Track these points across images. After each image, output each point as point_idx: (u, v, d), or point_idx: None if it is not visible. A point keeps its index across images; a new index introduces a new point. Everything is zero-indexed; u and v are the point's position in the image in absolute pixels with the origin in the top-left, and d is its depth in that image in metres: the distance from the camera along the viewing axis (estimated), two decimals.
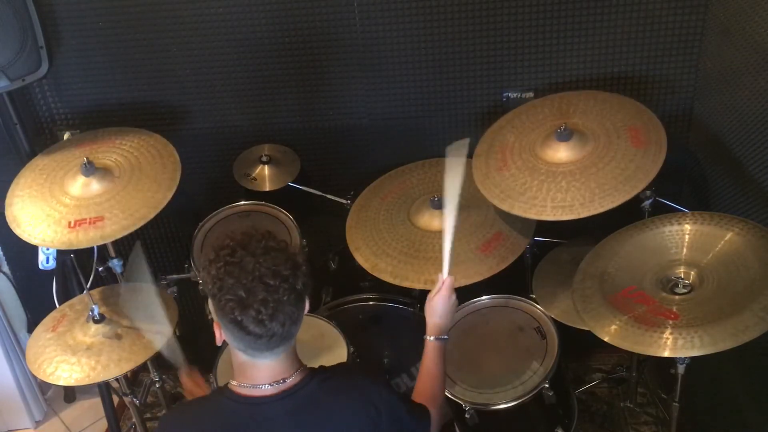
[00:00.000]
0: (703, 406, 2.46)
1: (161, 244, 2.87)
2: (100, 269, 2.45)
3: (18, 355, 2.89)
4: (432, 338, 1.75)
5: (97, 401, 2.81)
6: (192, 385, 1.93)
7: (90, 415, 3.02)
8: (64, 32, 2.45)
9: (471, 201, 2.31)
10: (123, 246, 2.69)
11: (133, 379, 2.90)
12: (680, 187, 2.59)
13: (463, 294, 1.87)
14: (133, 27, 2.44)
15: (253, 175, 2.57)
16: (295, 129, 2.64)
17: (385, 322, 2.44)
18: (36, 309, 2.80)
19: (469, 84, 2.51)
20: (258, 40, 2.47)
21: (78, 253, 2.46)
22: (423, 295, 2.29)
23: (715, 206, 2.33)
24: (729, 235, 1.88)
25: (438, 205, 2.29)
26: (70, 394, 3.10)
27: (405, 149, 2.62)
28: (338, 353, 2.20)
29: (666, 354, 1.69)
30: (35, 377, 2.46)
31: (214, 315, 1.41)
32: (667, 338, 1.70)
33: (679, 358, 1.93)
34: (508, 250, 2.19)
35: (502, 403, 2.04)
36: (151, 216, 2.08)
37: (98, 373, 2.12)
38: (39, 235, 2.07)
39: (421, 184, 2.48)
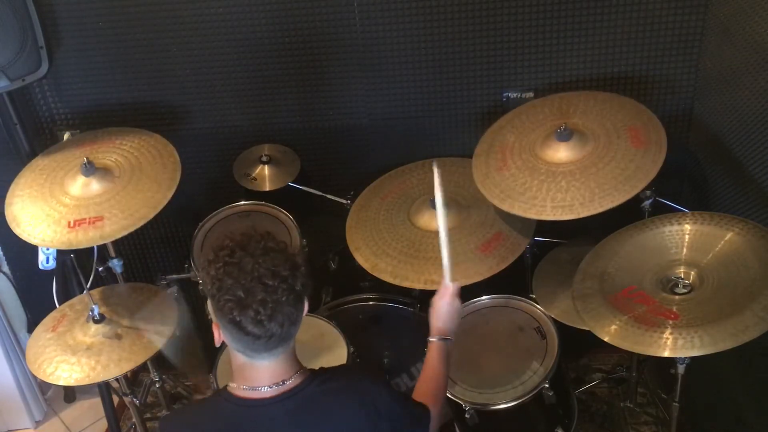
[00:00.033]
0: (703, 406, 2.46)
1: (161, 244, 2.87)
2: (100, 269, 2.45)
3: (18, 355, 2.89)
4: (436, 339, 1.75)
5: (97, 401, 2.81)
6: None
7: (90, 415, 3.02)
8: (64, 32, 2.45)
9: (471, 201, 2.32)
10: (123, 246, 2.70)
11: (133, 379, 2.90)
12: (680, 187, 2.59)
13: (463, 294, 1.87)
14: (133, 27, 2.44)
15: (253, 175, 2.57)
16: (295, 129, 2.64)
17: (385, 322, 2.44)
18: (36, 309, 2.80)
19: (469, 84, 2.51)
20: (258, 40, 2.47)
21: (78, 253, 2.46)
22: (423, 295, 2.30)
23: (715, 206, 2.33)
24: (729, 235, 1.88)
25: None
26: (70, 394, 3.10)
27: (405, 149, 2.62)
28: (338, 353, 2.20)
29: (666, 354, 1.69)
30: (35, 377, 2.46)
31: (213, 315, 1.41)
32: (667, 338, 1.70)
33: (679, 358, 1.93)
34: (508, 250, 2.19)
35: (502, 403, 2.04)
36: (151, 216, 2.08)
37: (98, 373, 2.12)
38: (39, 234, 2.08)
39: (421, 184, 2.48)
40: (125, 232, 2.06)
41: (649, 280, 1.91)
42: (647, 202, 2.17)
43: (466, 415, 2.05)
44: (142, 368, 2.52)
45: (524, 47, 2.43)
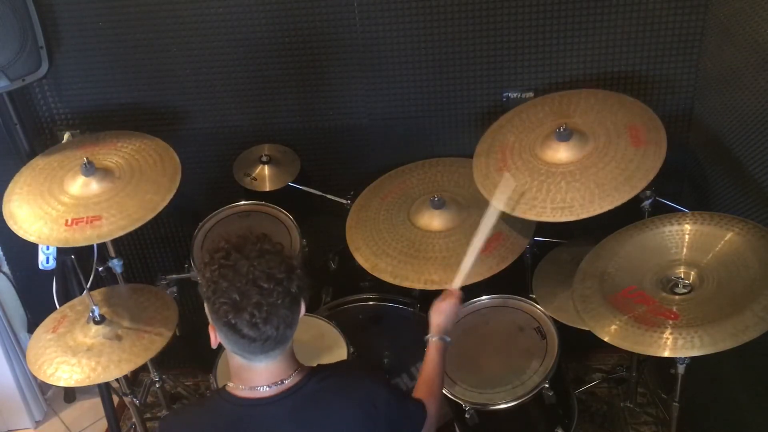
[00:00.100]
0: (703, 406, 2.46)
1: (161, 244, 2.87)
2: (100, 269, 2.45)
3: (18, 355, 2.89)
4: (436, 338, 1.76)
5: (97, 401, 2.81)
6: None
7: (90, 415, 3.02)
8: (64, 32, 2.45)
9: (471, 201, 2.32)
10: (123, 246, 2.70)
11: (133, 379, 2.90)
12: (680, 187, 2.59)
13: (463, 294, 1.88)
14: (133, 27, 2.44)
15: (253, 175, 2.57)
16: (295, 129, 2.64)
17: (385, 322, 2.44)
18: (36, 309, 2.80)
19: (469, 84, 2.51)
20: (258, 40, 2.46)
21: (78, 253, 2.46)
22: (423, 295, 2.30)
23: (715, 206, 2.33)
24: (729, 235, 1.88)
25: (438, 205, 2.29)
26: (70, 394, 3.10)
27: (405, 149, 2.62)
28: (338, 353, 2.20)
29: (666, 354, 1.69)
30: (35, 377, 2.46)
31: (209, 318, 1.41)
32: (667, 338, 1.70)
33: (679, 358, 1.93)
34: (508, 250, 2.19)
35: (502, 403, 2.04)
36: (149, 218, 2.08)
37: (98, 374, 2.12)
38: (35, 231, 2.08)
39: (421, 184, 2.48)
40: (123, 232, 2.05)
41: (649, 280, 1.91)
42: (647, 202, 2.17)
43: (466, 415, 2.05)
44: (142, 368, 2.52)
45: (524, 47, 2.43)
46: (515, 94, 2.50)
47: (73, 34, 2.46)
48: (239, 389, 1.45)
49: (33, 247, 2.46)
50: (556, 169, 2.08)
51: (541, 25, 2.38)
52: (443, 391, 2.01)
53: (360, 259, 2.29)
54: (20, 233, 2.08)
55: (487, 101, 2.53)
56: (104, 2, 2.40)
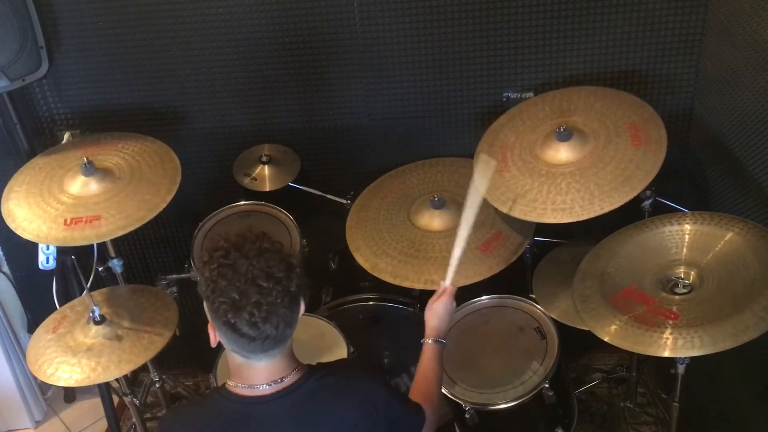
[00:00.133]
0: (703, 406, 2.46)
1: (161, 244, 2.87)
2: (100, 269, 2.45)
3: (18, 355, 2.89)
4: (431, 341, 1.76)
5: (97, 401, 2.81)
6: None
7: (90, 415, 3.02)
8: (64, 32, 2.45)
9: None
10: (123, 246, 2.70)
11: (133, 379, 2.90)
12: (680, 187, 2.59)
13: (463, 294, 1.88)
14: (133, 27, 2.44)
15: (253, 175, 2.57)
16: (295, 129, 2.64)
17: (385, 322, 2.44)
18: (36, 309, 2.80)
19: (469, 84, 2.51)
20: (258, 40, 2.46)
21: (78, 253, 2.46)
22: (423, 295, 2.30)
23: (715, 206, 2.33)
24: (729, 235, 1.88)
25: (438, 205, 2.29)
26: (70, 394, 3.10)
27: (405, 149, 2.62)
28: (338, 353, 2.20)
29: (666, 354, 1.69)
30: (35, 377, 2.46)
31: (208, 317, 1.41)
32: (667, 338, 1.70)
33: (679, 358, 1.93)
34: (508, 250, 2.20)
35: (502, 403, 2.04)
36: (148, 218, 2.08)
37: (98, 374, 2.12)
38: (33, 230, 2.08)
39: (421, 184, 2.48)
40: (122, 233, 2.06)
41: (649, 280, 1.91)
42: (647, 202, 2.17)
43: (466, 415, 2.05)
44: (142, 368, 2.52)
45: (524, 47, 2.43)
46: (515, 94, 2.50)
47: (73, 34, 2.46)
48: (238, 387, 1.45)
49: (33, 247, 2.46)
50: (557, 169, 2.08)
51: (541, 25, 2.39)
52: (443, 391, 2.01)
53: (360, 259, 2.29)
54: (18, 231, 2.08)
55: (487, 101, 2.54)
56: (104, 2, 2.40)
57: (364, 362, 2.33)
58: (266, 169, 2.57)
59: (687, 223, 1.96)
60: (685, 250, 1.94)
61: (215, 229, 2.54)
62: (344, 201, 2.53)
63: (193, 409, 1.58)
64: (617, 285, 1.92)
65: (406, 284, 2.18)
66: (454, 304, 1.84)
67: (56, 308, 2.39)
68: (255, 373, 1.43)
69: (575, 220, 1.96)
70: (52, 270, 2.51)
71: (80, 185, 2.17)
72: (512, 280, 2.27)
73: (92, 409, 3.02)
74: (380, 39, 2.44)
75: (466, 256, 2.15)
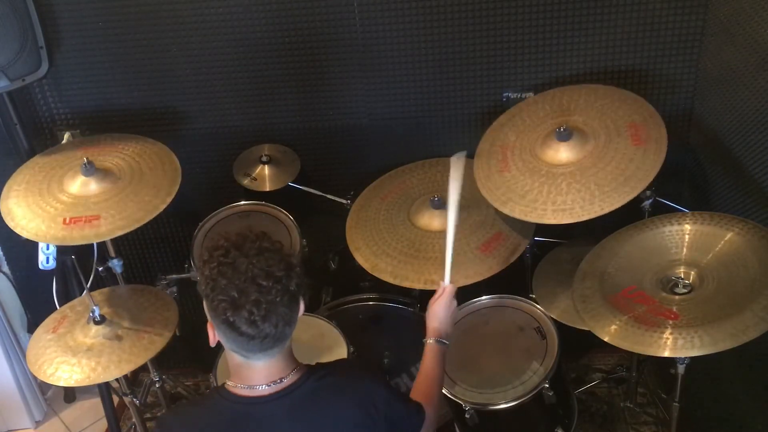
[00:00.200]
0: (703, 406, 2.46)
1: (161, 244, 2.87)
2: (100, 269, 2.45)
3: (18, 355, 2.89)
4: (431, 341, 1.76)
5: (97, 401, 2.81)
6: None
7: (90, 415, 3.02)
8: (64, 32, 2.45)
9: (471, 201, 2.31)
10: (123, 246, 2.70)
11: (133, 379, 2.90)
12: (680, 187, 2.59)
13: (463, 294, 1.88)
14: (133, 27, 2.44)
15: (253, 175, 2.57)
16: (295, 129, 2.64)
17: (385, 322, 2.44)
18: (36, 309, 2.80)
19: (469, 84, 2.51)
20: (258, 40, 2.46)
21: (78, 253, 2.46)
22: (423, 295, 2.30)
23: (715, 206, 2.33)
24: (729, 235, 1.88)
25: (438, 205, 2.29)
26: (70, 394, 3.10)
27: (405, 149, 2.62)
28: (338, 353, 2.20)
29: (666, 354, 1.69)
30: (35, 377, 2.46)
31: (207, 315, 1.41)
32: (667, 338, 1.70)
33: (679, 358, 1.93)
34: (508, 250, 2.20)
35: (502, 403, 2.04)
36: (147, 219, 2.08)
37: (98, 374, 2.12)
38: (32, 229, 2.07)
39: (421, 184, 2.48)
40: (121, 233, 2.06)
41: (649, 280, 1.91)
42: (647, 202, 2.17)
43: (466, 415, 2.05)
44: (142, 368, 2.52)
45: (524, 47, 2.43)
46: (515, 94, 2.50)
47: (73, 34, 2.46)
48: (238, 388, 1.45)
49: (33, 247, 2.46)
50: (557, 169, 2.08)
51: (541, 25, 2.38)
52: (443, 391, 2.01)
53: (360, 259, 2.29)
54: (18, 230, 2.08)
55: (487, 101, 2.54)
56: (104, 2, 2.40)
57: (364, 362, 2.33)
58: (266, 169, 2.57)
59: (687, 223, 1.96)
60: (685, 250, 1.94)
61: (215, 229, 2.54)
62: (344, 201, 2.53)
63: (192, 409, 1.58)
64: (617, 285, 1.92)
65: (406, 284, 2.18)
66: (455, 303, 1.83)
67: (56, 308, 2.39)
68: (254, 374, 1.43)
69: (576, 220, 1.96)
70: (52, 270, 2.51)
71: (80, 185, 2.18)
72: (512, 280, 2.27)
73: (92, 409, 3.03)
74: (380, 39, 2.44)
75: (467, 257, 2.17)
